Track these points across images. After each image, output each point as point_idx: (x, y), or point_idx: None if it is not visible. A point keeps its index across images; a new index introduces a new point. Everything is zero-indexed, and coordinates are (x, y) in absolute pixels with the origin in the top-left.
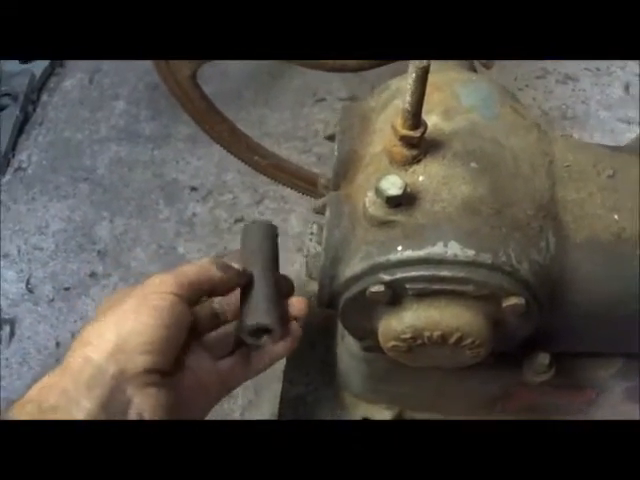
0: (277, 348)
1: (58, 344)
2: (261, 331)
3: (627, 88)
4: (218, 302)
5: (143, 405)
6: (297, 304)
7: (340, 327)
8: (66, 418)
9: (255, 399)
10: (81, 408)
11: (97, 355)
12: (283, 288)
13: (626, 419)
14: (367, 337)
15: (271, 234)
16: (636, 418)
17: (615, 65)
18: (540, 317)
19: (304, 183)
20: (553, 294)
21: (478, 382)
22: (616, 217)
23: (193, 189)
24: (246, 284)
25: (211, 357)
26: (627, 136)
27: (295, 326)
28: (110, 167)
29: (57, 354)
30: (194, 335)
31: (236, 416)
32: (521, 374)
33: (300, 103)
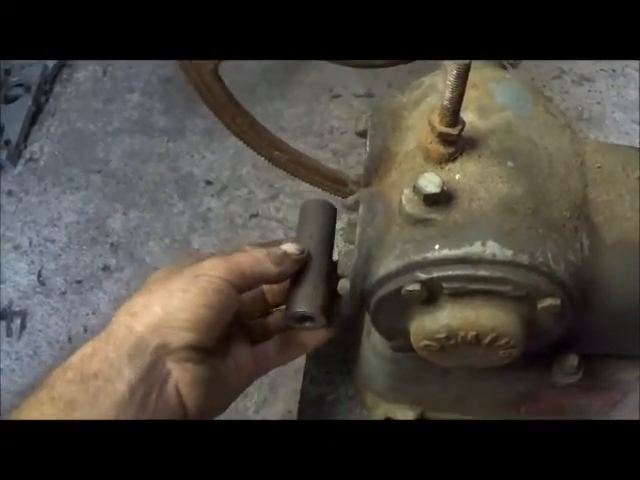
0: (313, 337)
1: (70, 338)
2: (304, 318)
3: None
4: (268, 286)
5: (181, 379)
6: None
7: (366, 325)
8: (107, 386)
9: (270, 397)
10: (123, 377)
11: (142, 327)
12: (334, 276)
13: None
14: (397, 336)
15: (331, 214)
16: None
17: (631, 66)
18: (572, 318)
19: (325, 180)
20: (585, 295)
21: (505, 382)
22: None
23: (208, 183)
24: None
25: (249, 340)
26: None
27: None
28: (123, 159)
29: (69, 348)
30: (238, 317)
31: (250, 414)
32: (548, 375)
33: (316, 99)
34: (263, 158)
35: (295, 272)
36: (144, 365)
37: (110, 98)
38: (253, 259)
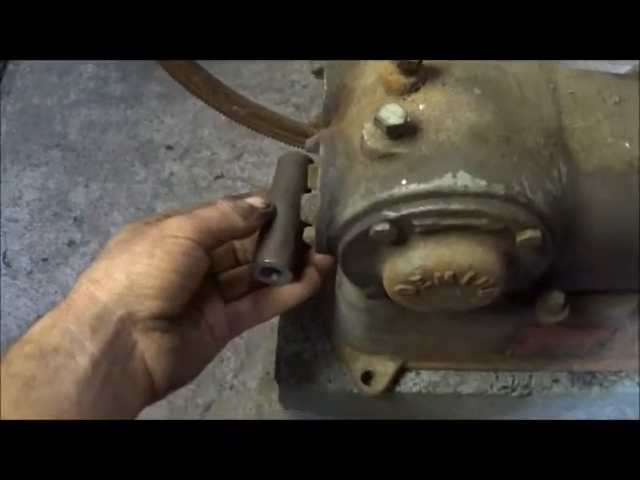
0: (288, 293)
1: (39, 317)
2: (271, 271)
3: None
4: (239, 244)
5: (147, 350)
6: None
7: (337, 276)
8: (68, 361)
9: (247, 360)
10: (85, 351)
11: (104, 296)
12: None
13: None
14: (369, 283)
15: (305, 165)
16: None
17: None
18: (555, 252)
19: (286, 132)
20: (566, 227)
21: (487, 325)
22: (627, 145)
23: (169, 148)
24: (268, 221)
25: (222, 299)
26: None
27: (312, 272)
28: (82, 131)
29: None
30: (208, 276)
31: (229, 379)
32: (533, 315)
33: None
34: (223, 116)
35: (264, 226)
36: (108, 337)
37: (65, 71)
38: (220, 214)
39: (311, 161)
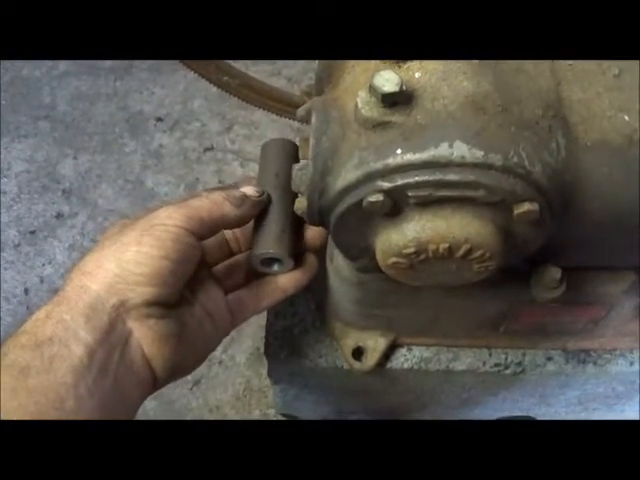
0: (289, 280)
1: (27, 290)
2: (272, 260)
3: None
4: (231, 235)
5: (144, 338)
6: (314, 233)
7: (329, 249)
8: (63, 350)
9: (237, 335)
10: (79, 339)
11: (96, 285)
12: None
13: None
14: (362, 256)
15: (293, 152)
16: None
17: None
18: (552, 226)
19: (278, 103)
20: (564, 201)
21: (481, 301)
22: (627, 118)
23: (159, 120)
24: (262, 210)
25: (220, 288)
26: None
27: (310, 258)
28: (71, 103)
29: (26, 301)
30: (203, 265)
31: (218, 354)
32: (528, 291)
33: None
34: (214, 88)
35: (258, 215)
36: (102, 326)
37: None
38: (211, 203)
39: (297, 147)
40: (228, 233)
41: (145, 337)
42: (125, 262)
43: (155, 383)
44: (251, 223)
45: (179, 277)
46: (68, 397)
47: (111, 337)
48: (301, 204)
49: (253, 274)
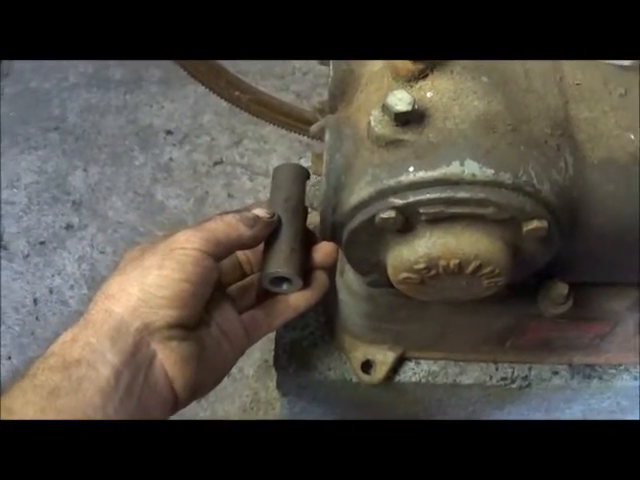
0: (300, 299)
1: (36, 300)
2: (282, 280)
3: None
4: (242, 252)
5: (167, 359)
6: (323, 249)
7: (340, 263)
8: (90, 372)
9: None
10: (106, 361)
11: (120, 309)
12: (311, 235)
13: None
14: (373, 271)
15: (302, 177)
16: None
17: None
18: (560, 243)
19: (289, 119)
20: (572, 218)
21: (488, 316)
22: (632, 137)
23: (169, 133)
24: (273, 232)
25: (235, 308)
26: None
27: (320, 275)
28: (81, 115)
29: (35, 311)
30: (218, 286)
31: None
32: (535, 306)
33: None
34: (224, 102)
35: (269, 236)
36: (127, 348)
37: None
38: (226, 224)
39: (307, 172)
40: (241, 255)
41: (168, 359)
42: (147, 286)
43: (176, 403)
44: (262, 245)
45: (199, 299)
46: (96, 417)
47: (136, 359)
48: (314, 219)
49: (265, 294)
